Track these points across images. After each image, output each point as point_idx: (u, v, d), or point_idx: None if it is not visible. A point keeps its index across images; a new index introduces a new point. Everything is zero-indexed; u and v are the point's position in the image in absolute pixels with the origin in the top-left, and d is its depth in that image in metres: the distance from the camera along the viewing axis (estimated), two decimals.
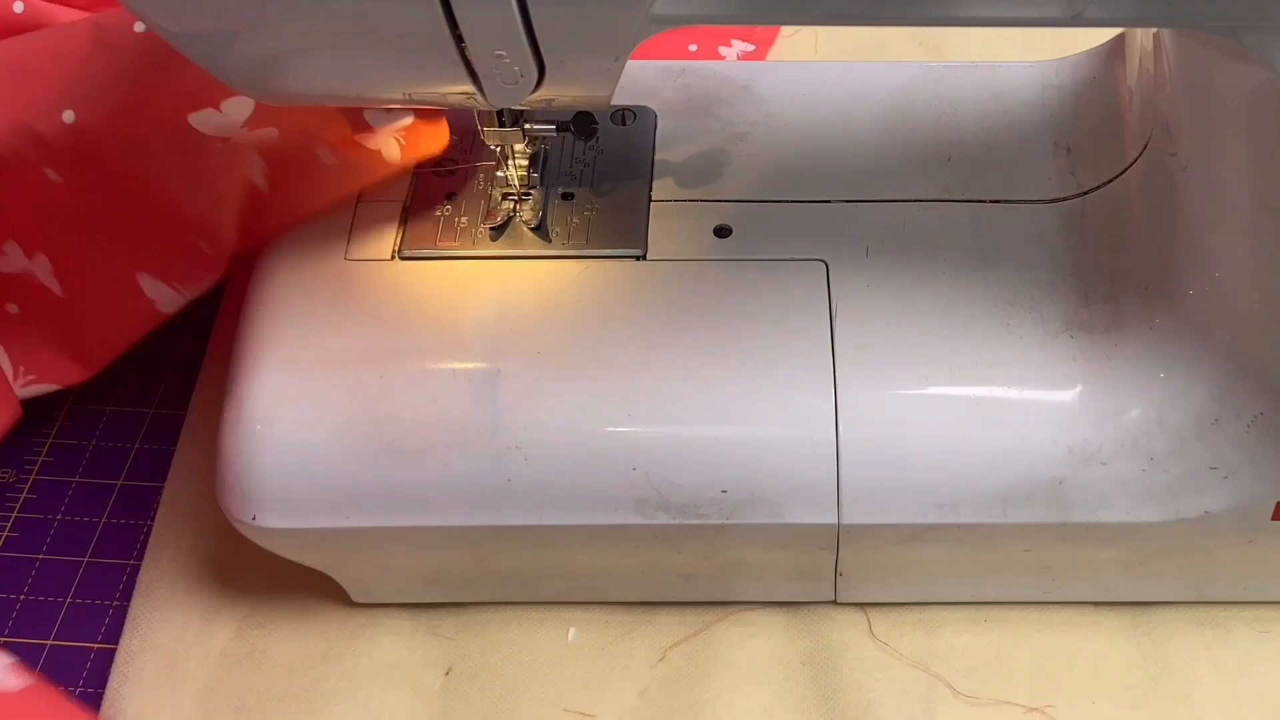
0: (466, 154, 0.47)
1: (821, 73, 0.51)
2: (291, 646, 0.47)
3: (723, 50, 0.63)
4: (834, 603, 0.46)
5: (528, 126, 0.44)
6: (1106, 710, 0.44)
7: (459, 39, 0.33)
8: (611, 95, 0.38)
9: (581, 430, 0.40)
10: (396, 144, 0.45)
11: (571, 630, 0.46)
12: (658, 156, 0.48)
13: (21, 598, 0.49)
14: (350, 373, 0.42)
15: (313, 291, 0.44)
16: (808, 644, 0.46)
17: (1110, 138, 0.46)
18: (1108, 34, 0.48)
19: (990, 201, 0.46)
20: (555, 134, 0.45)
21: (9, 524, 0.52)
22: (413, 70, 0.36)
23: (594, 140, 0.48)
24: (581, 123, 0.46)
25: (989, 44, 0.64)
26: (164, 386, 0.56)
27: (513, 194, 0.45)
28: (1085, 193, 0.45)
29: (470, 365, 0.42)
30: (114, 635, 0.48)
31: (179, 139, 0.43)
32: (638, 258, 0.45)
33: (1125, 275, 0.43)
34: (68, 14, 0.47)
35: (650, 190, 0.47)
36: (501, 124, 0.43)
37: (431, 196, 0.46)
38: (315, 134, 0.44)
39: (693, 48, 0.64)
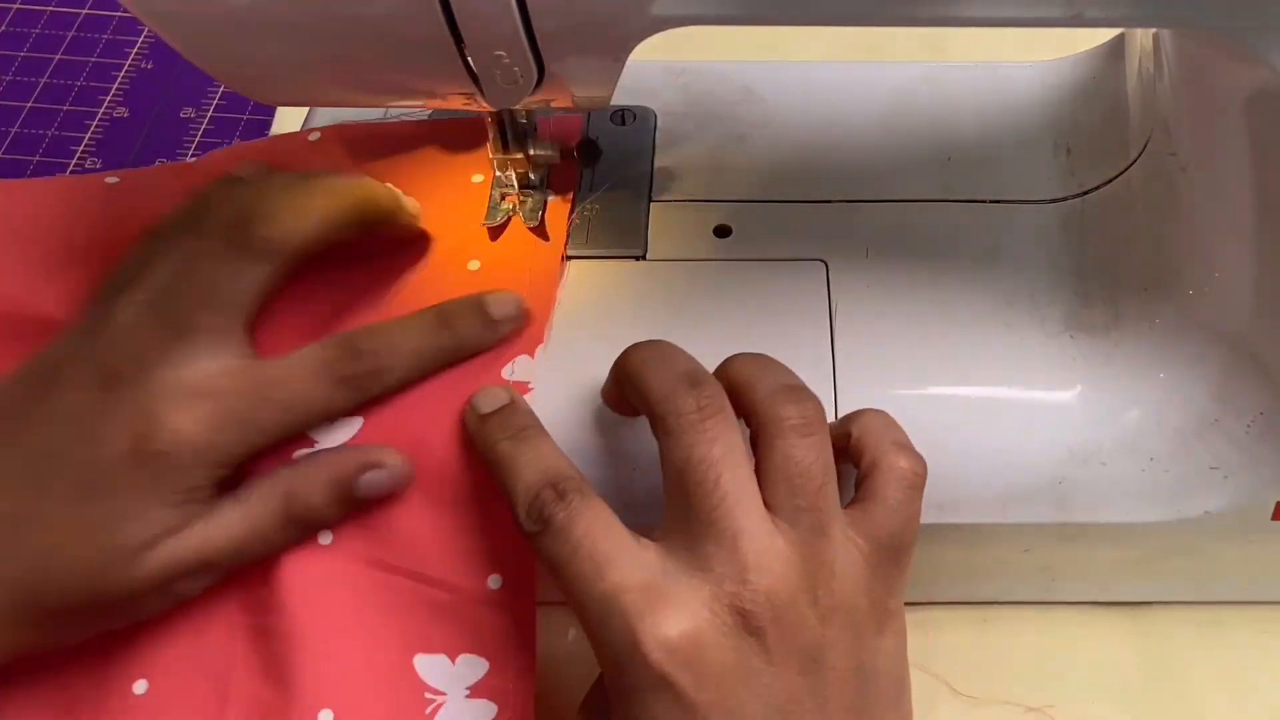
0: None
1: (821, 73, 0.51)
2: None
3: None
4: None
5: (533, 153, 0.44)
6: (1106, 710, 0.44)
7: (458, 40, 0.33)
8: (611, 95, 0.38)
9: (581, 430, 0.40)
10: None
11: (571, 630, 0.46)
12: (658, 156, 0.48)
13: None
14: None
15: None
16: None
17: (1110, 138, 0.46)
18: (1108, 34, 0.48)
19: (990, 201, 0.46)
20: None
21: None
22: (412, 70, 0.36)
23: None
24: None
25: (989, 44, 0.65)
26: None
27: (513, 194, 0.45)
28: (1085, 193, 0.45)
29: None
30: None
31: None
32: (638, 258, 0.45)
33: (1125, 275, 0.43)
34: None
35: (650, 190, 0.47)
36: (506, 149, 0.43)
37: None
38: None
39: None
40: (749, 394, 0.36)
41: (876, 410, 0.38)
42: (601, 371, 0.41)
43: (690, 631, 0.32)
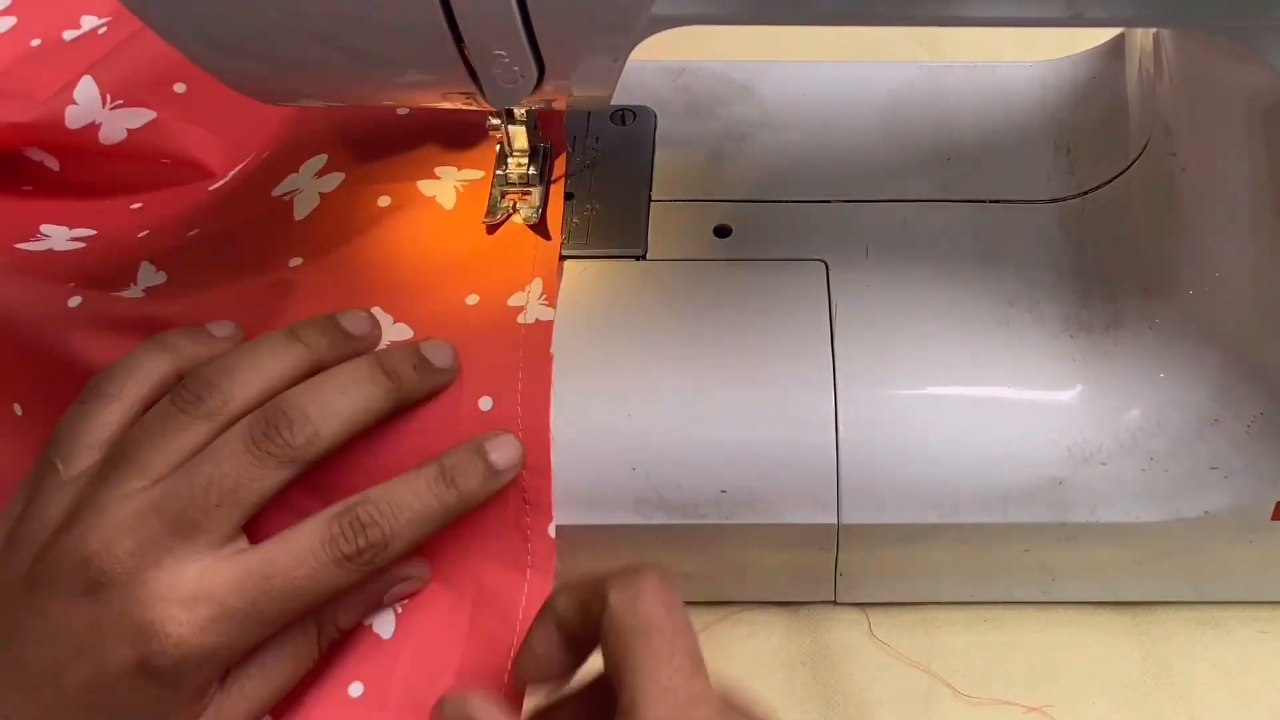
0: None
1: (821, 73, 0.51)
2: None
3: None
4: (834, 603, 0.46)
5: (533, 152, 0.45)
6: (1106, 710, 0.44)
7: (459, 39, 0.33)
8: (611, 95, 0.38)
9: (581, 430, 0.40)
10: (455, 192, 0.45)
11: None
12: (658, 156, 0.48)
13: None
14: None
15: None
16: (808, 644, 0.46)
17: (1110, 138, 0.46)
18: (1108, 34, 0.48)
19: (990, 201, 0.46)
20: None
21: None
22: (412, 70, 0.36)
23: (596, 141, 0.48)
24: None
25: (989, 44, 0.64)
26: None
27: (513, 192, 0.45)
28: (1085, 193, 0.45)
29: None
30: None
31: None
32: (638, 258, 0.45)
33: (1125, 275, 0.43)
34: None
35: (650, 190, 0.47)
36: (505, 147, 0.44)
37: None
38: (378, 179, 0.45)
39: None
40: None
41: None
42: (601, 370, 0.41)
43: None
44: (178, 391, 0.37)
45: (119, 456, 0.36)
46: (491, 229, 0.44)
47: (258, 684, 0.36)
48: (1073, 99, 0.48)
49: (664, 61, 0.51)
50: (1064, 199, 0.46)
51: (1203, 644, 0.46)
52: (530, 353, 0.41)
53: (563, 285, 0.43)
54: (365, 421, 0.37)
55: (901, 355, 0.42)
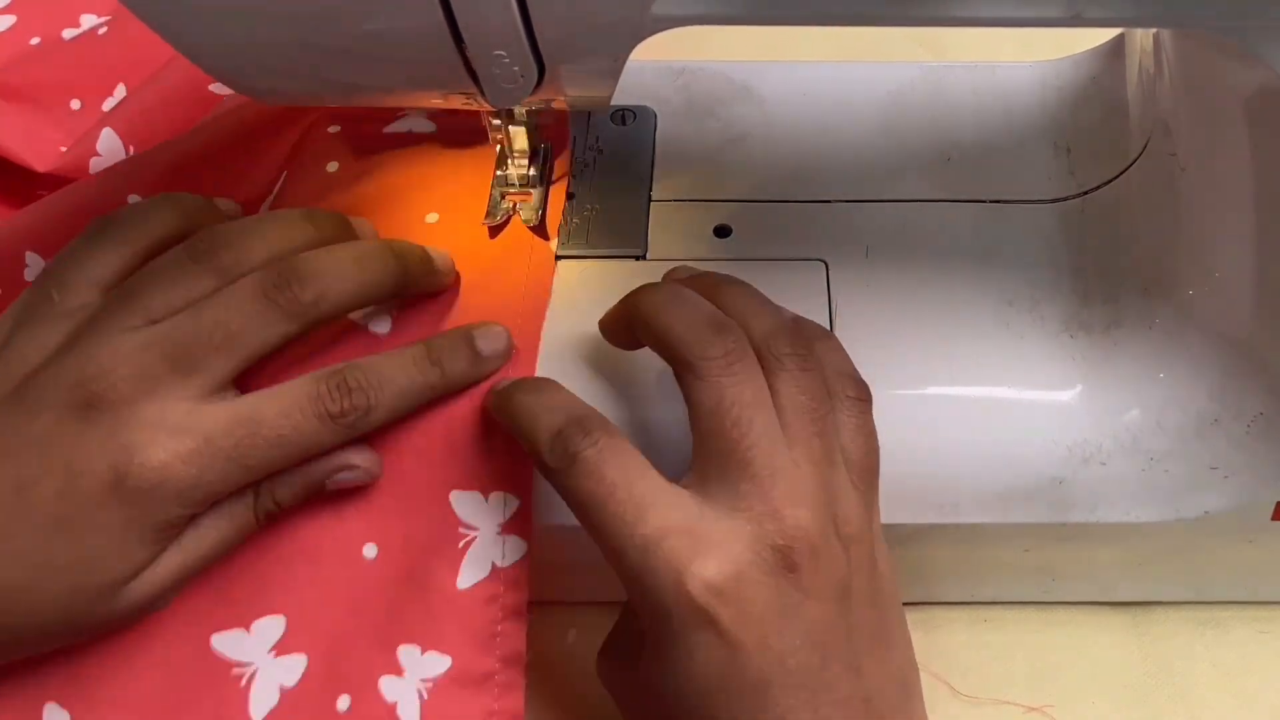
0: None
1: (821, 73, 0.51)
2: None
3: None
4: None
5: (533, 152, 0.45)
6: (1106, 710, 0.44)
7: (459, 39, 0.33)
8: (611, 95, 0.38)
9: None
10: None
11: (571, 631, 0.46)
12: (658, 156, 0.48)
13: None
14: None
15: None
16: None
17: (1110, 138, 0.46)
18: (1108, 34, 0.48)
19: (990, 201, 0.46)
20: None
21: None
22: (412, 71, 0.36)
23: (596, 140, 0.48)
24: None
25: (989, 44, 0.65)
26: None
27: (513, 192, 0.45)
28: (1085, 193, 0.45)
29: None
30: None
31: None
32: (638, 258, 0.45)
33: (1125, 275, 0.43)
34: None
35: (650, 190, 0.47)
36: (505, 148, 0.44)
37: None
38: None
39: None
40: (745, 331, 0.37)
41: (825, 336, 0.39)
42: (602, 371, 0.41)
43: (733, 572, 0.33)
44: (193, 243, 0.37)
45: (124, 295, 0.36)
46: (492, 231, 0.44)
47: (193, 540, 0.36)
48: (1073, 99, 0.48)
49: (664, 61, 0.51)
50: (1064, 199, 0.46)
51: (1203, 644, 0.46)
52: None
53: (561, 285, 0.44)
54: (373, 296, 0.38)
55: (901, 355, 0.42)
